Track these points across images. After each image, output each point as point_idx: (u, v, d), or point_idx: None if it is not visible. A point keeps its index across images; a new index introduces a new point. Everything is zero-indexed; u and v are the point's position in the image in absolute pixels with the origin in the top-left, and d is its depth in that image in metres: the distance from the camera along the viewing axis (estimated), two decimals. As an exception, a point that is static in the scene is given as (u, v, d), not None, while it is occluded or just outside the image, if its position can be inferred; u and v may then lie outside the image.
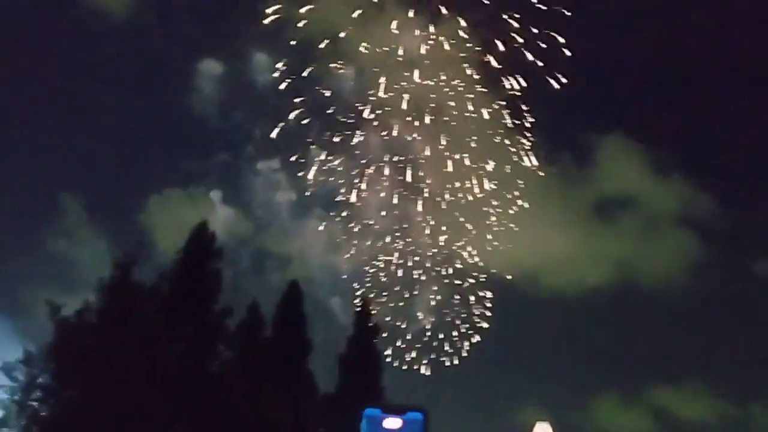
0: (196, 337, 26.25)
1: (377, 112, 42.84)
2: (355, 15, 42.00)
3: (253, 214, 45.35)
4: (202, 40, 44.15)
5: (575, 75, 41.98)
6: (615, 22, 45.92)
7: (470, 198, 43.16)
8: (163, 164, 44.84)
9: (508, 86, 41.98)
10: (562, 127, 44.59)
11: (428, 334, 43.36)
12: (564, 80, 41.10)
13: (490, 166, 43.01)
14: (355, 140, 42.98)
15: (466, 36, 41.93)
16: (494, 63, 41.85)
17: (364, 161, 43.30)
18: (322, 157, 42.82)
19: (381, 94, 42.50)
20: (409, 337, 43.00)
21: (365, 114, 42.70)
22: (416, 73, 42.24)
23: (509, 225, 42.86)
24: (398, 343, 42.55)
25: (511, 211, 42.73)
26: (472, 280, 43.55)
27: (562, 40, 40.96)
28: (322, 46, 42.01)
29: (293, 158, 42.95)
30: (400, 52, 42.35)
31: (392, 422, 9.41)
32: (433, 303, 43.69)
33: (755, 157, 46.54)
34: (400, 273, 43.40)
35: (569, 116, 44.41)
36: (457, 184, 43.32)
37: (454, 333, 43.37)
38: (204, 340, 26.76)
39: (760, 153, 46.10)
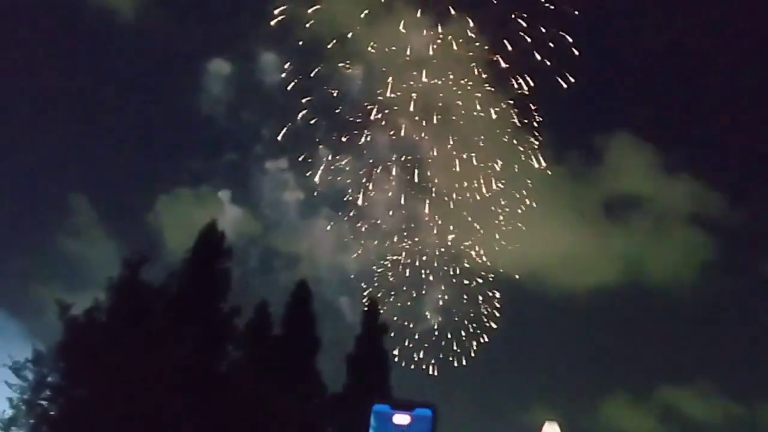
0: (204, 337, 26.29)
1: (385, 111, 42.90)
2: (362, 15, 42.13)
3: (261, 214, 45.48)
4: (210, 39, 44.32)
5: (583, 74, 41.93)
6: (623, 21, 45.84)
7: (478, 197, 43.15)
8: (171, 164, 45.04)
9: (516, 86, 41.98)
10: (571, 126, 44.53)
11: (436, 333, 43.35)
12: (572, 79, 41.08)
13: (498, 165, 43.00)
14: (363, 140, 43.03)
15: (474, 36, 41.94)
16: (502, 63, 41.85)
17: (371, 161, 43.36)
18: (330, 157, 42.90)
19: (388, 93, 42.56)
20: (416, 336, 42.99)
21: (373, 114, 42.77)
22: (424, 72, 42.28)
23: (517, 224, 42.82)
24: (406, 343, 42.56)
25: (519, 211, 42.69)
26: (479, 280, 43.51)
27: (570, 39, 40.94)
28: (329, 46, 42.14)
29: (301, 158, 43.09)
30: (408, 51, 42.42)
31: (401, 418, 9.40)
32: (440, 303, 43.67)
33: (766, 155, 46.34)
34: (407, 273, 43.41)
35: (578, 115, 44.36)
36: (465, 184, 43.31)
37: (462, 333, 43.33)
38: (212, 340, 26.81)
39: (771, 151, 45.91)
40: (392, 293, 42.63)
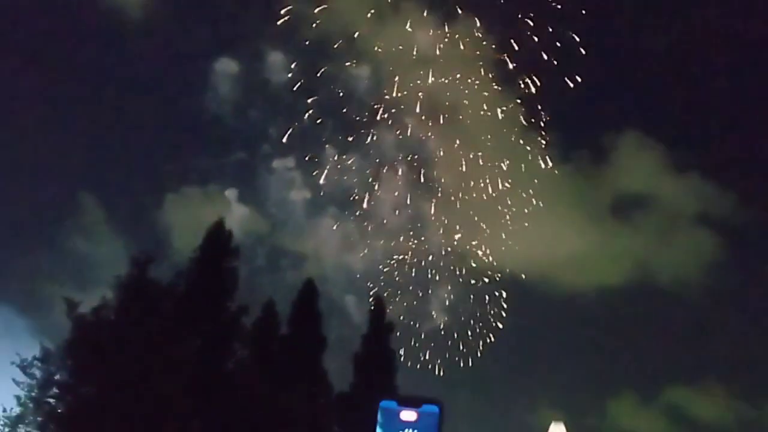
0: (211, 335, 26.36)
1: (391, 111, 42.93)
2: (369, 15, 42.19)
3: (268, 213, 45.55)
4: (217, 39, 44.47)
5: (591, 73, 41.87)
6: (631, 20, 45.71)
7: (484, 197, 43.10)
8: (179, 163, 45.18)
9: (522, 85, 41.93)
10: (578, 125, 44.48)
11: (442, 333, 43.31)
12: (579, 79, 41.04)
13: (504, 165, 42.95)
14: (369, 139, 43.07)
15: (480, 35, 41.93)
16: (509, 62, 41.83)
17: (378, 160, 43.39)
18: (336, 156, 42.97)
19: (395, 93, 42.59)
20: (422, 336, 42.97)
21: (379, 113, 42.80)
22: (430, 72, 42.28)
23: (524, 224, 42.76)
24: (412, 343, 42.53)
25: (525, 211, 42.64)
26: (486, 280, 43.45)
27: (577, 39, 40.90)
28: (336, 46, 42.21)
29: (307, 158, 43.18)
30: (415, 51, 42.43)
31: (408, 414, 9.36)
32: (447, 302, 43.63)
33: (774, 155, 46.11)
34: (413, 272, 43.40)
35: (585, 114, 44.27)
36: (471, 183, 43.27)
37: (468, 332, 43.27)
38: (220, 338, 26.86)
39: (779, 151, 45.68)
40: (398, 293, 42.66)
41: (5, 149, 42.39)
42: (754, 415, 42.87)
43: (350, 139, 42.84)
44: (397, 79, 42.41)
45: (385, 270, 43.03)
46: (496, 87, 42.40)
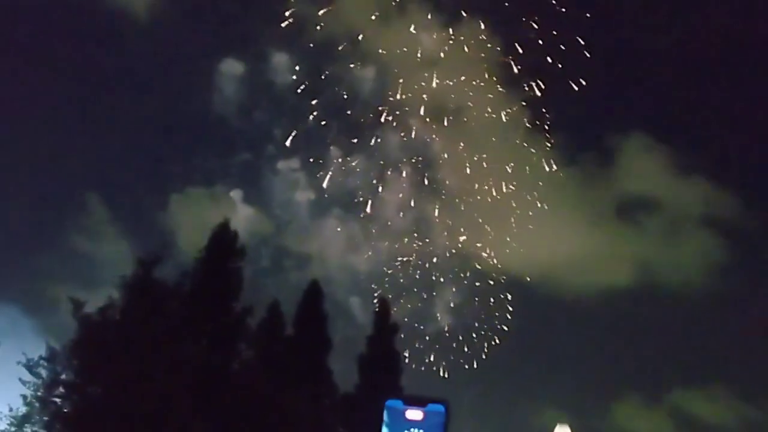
0: (217, 336, 26.41)
1: (396, 113, 43.02)
2: (373, 17, 42.32)
3: (273, 214, 45.61)
4: (222, 39, 44.58)
5: (596, 75, 41.88)
6: (636, 23, 45.69)
7: (489, 199, 43.12)
8: (184, 163, 45.28)
9: (527, 88, 41.98)
10: (583, 127, 44.42)
11: (447, 335, 43.29)
12: (583, 82, 41.10)
13: (509, 167, 42.96)
14: (374, 141, 43.15)
15: (485, 38, 42.00)
16: (514, 65, 41.89)
17: (382, 162, 43.46)
18: (341, 157, 43.07)
19: (399, 95, 42.68)
20: (427, 338, 42.96)
21: (384, 115, 42.89)
22: (435, 74, 42.35)
23: (528, 226, 42.75)
24: (417, 345, 42.53)
25: (530, 213, 42.63)
26: (491, 282, 43.43)
27: (582, 42, 40.95)
28: (340, 48, 42.33)
29: (312, 159, 43.29)
30: (419, 53, 42.52)
31: (414, 413, 9.41)
32: (451, 304, 43.62)
33: (780, 157, 46.00)
34: (418, 274, 43.40)
35: (590, 116, 44.22)
36: (476, 186, 43.30)
37: (473, 335, 43.24)
38: (225, 339, 26.91)
39: (786, 153, 45.58)
40: (403, 294, 42.68)
41: (10, 149, 42.59)
42: (759, 417, 42.77)
43: (355, 140, 43.01)
44: (401, 81, 42.55)
45: (389, 272, 43.10)
46: (500, 89, 42.52)
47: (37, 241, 41.79)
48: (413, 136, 43.15)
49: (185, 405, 24.01)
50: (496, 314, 43.28)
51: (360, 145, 43.11)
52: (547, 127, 42.17)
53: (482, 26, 42.27)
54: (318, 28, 42.18)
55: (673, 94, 48.00)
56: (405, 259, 43.30)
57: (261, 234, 44.03)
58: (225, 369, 26.43)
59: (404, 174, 43.39)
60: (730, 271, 44.39)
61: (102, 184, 44.25)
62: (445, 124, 42.92)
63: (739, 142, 46.75)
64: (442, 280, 43.48)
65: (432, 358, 42.62)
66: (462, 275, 43.41)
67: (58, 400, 25.01)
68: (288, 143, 43.26)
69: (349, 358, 32.65)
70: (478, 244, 43.22)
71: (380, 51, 42.79)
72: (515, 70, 41.86)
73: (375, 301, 37.96)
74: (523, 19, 41.27)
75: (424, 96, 42.52)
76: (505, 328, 43.05)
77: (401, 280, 42.97)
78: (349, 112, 42.66)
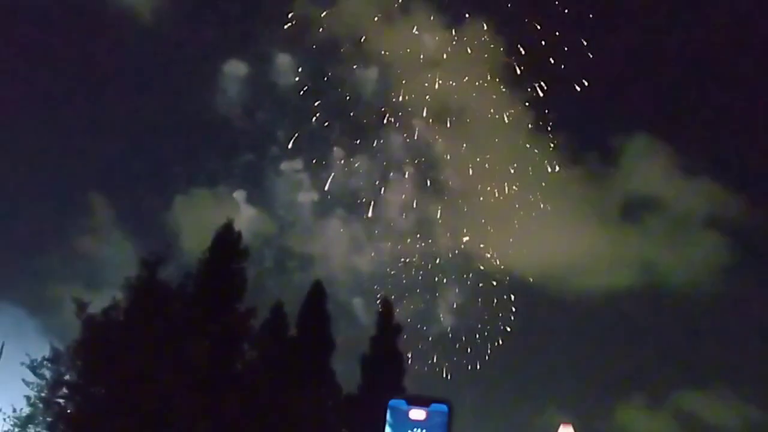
0: (220, 336, 26.38)
1: (398, 114, 43.05)
2: (375, 18, 42.37)
3: (276, 214, 45.61)
4: (226, 41, 44.64)
5: (599, 76, 41.87)
6: (638, 23, 45.64)
7: (491, 200, 43.08)
8: (188, 164, 45.28)
9: (530, 89, 41.98)
10: (587, 128, 44.34)
11: (450, 336, 43.24)
12: (586, 83, 41.12)
13: (512, 168, 42.92)
14: (377, 142, 43.18)
15: (488, 39, 42.03)
16: (517, 66, 41.90)
17: (385, 163, 43.48)
18: (344, 158, 43.11)
19: (402, 96, 42.71)
20: (430, 339, 42.91)
21: (386, 116, 42.92)
22: (438, 75, 42.38)
23: (531, 227, 42.69)
24: (420, 346, 42.47)
25: (533, 214, 42.58)
26: (494, 283, 43.37)
27: (584, 43, 40.96)
28: (343, 49, 42.39)
29: (315, 160, 43.35)
30: (422, 54, 42.57)
31: (417, 413, 9.40)
32: (454, 305, 43.57)
33: (785, 157, 45.87)
34: (421, 275, 43.38)
35: (593, 117, 44.14)
36: (479, 186, 43.29)
37: (476, 335, 43.18)
38: (228, 340, 26.89)
39: (790, 153, 45.46)
40: (406, 295, 42.65)
41: (15, 150, 42.70)
42: (762, 418, 42.63)
43: (357, 142, 43.03)
44: (404, 82, 42.60)
45: (392, 272, 43.08)
46: (503, 90, 42.50)
47: (41, 241, 41.91)
48: (416, 137, 43.22)
49: (188, 406, 24.02)
50: (499, 315, 43.23)
51: (363, 146, 43.22)
52: (549, 128, 42.19)
53: (485, 27, 42.37)
54: (320, 30, 42.33)
55: (677, 95, 47.98)
56: (408, 259, 43.33)
57: (264, 235, 44.08)
58: (228, 370, 26.42)
59: (407, 175, 43.43)
60: (734, 271, 44.31)
61: (105, 185, 44.37)
62: (448, 125, 43.01)
63: (743, 142, 46.67)
64: (444, 280, 43.50)
65: (435, 359, 42.59)
66: (465, 276, 43.42)
67: (61, 400, 25.05)
68: (291, 144, 43.33)
69: (352, 358, 32.66)
70: (481, 245, 43.24)
71: (383, 52, 42.91)
72: (518, 71, 41.92)
73: (378, 301, 38.00)
74: (526, 20, 41.34)
75: (427, 97, 42.62)
76: (508, 329, 43.02)
77: (404, 281, 42.97)
78: (351, 114, 42.74)
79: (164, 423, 23.72)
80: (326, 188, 43.50)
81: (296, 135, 43.12)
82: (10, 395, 24.97)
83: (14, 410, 24.68)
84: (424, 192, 43.69)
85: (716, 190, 45.55)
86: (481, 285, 43.41)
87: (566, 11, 41.61)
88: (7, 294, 36.13)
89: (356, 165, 43.21)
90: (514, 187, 42.67)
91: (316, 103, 43.06)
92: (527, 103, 42.09)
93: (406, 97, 42.84)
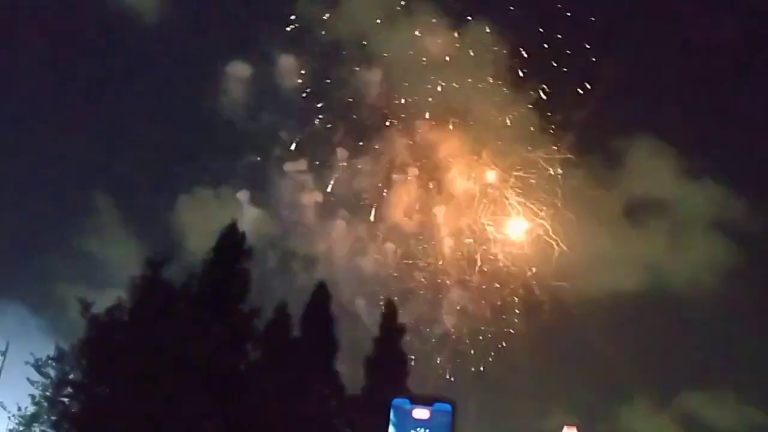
0: (224, 337, 26.44)
1: (401, 115, 43.14)
2: (378, 20, 42.50)
3: (280, 215, 45.60)
4: (230, 41, 44.69)
5: (602, 79, 41.87)
6: (641, 25, 45.63)
7: (494, 202, 43.12)
8: (191, 164, 45.21)
9: (533, 91, 42.06)
10: (590, 130, 44.23)
11: (453, 338, 43.24)
12: (588, 86, 41.25)
13: (515, 170, 42.95)
14: (380, 144, 43.28)
15: (491, 42, 42.13)
16: (519, 68, 42.00)
17: (388, 164, 43.56)
18: (347, 160, 43.20)
19: (405, 98, 42.82)
20: (433, 340, 42.91)
21: (389, 118, 43.04)
22: (441, 77, 42.47)
23: (535, 229, 42.70)
24: (423, 347, 42.47)
25: (537, 216, 42.58)
26: (497, 285, 43.38)
27: (587, 45, 41.10)
28: (346, 51, 42.52)
29: (318, 162, 43.45)
30: (425, 56, 42.66)
31: (421, 413, 9.43)
32: (458, 307, 43.57)
33: (790, 159, 45.78)
34: (424, 276, 43.40)
35: (597, 119, 44.03)
36: (481, 188, 43.33)
37: (480, 337, 43.18)
38: (232, 340, 26.95)
39: (795, 156, 45.38)
40: (409, 296, 42.65)
41: (19, 150, 42.83)
42: (767, 421, 42.51)
43: (361, 143, 43.10)
44: (407, 84, 42.66)
45: (395, 274, 43.09)
46: (506, 92, 42.51)
47: (45, 241, 41.92)
48: (419, 138, 43.28)
49: (192, 406, 24.10)
50: (503, 317, 43.24)
51: (366, 147, 43.25)
52: (553, 130, 42.20)
53: (488, 30, 42.38)
54: (323, 33, 42.49)
55: (681, 97, 47.86)
56: (411, 261, 43.34)
57: (268, 235, 44.01)
58: (232, 370, 26.49)
59: (410, 176, 43.46)
60: (739, 274, 44.11)
61: (110, 184, 44.31)
62: (451, 127, 43.02)
63: (748, 144, 46.52)
64: (448, 282, 43.49)
65: (438, 361, 42.58)
66: (468, 277, 43.40)
67: (66, 399, 25.20)
68: (294, 145, 43.43)
69: (356, 360, 32.61)
70: (484, 247, 43.23)
71: (386, 54, 42.93)
72: (521, 74, 41.99)
73: (381, 303, 38.00)
74: (528, 23, 41.39)
75: (430, 99, 42.64)
76: (512, 331, 43.01)
77: (407, 283, 42.98)
78: (355, 115, 42.85)
79: (168, 423, 23.79)
80: (329, 189, 43.56)
81: (300, 136, 43.23)
82: (14, 394, 25.14)
83: (19, 409, 24.83)
84: (427, 193, 43.74)
85: (720, 192, 45.41)
86: (484, 287, 43.45)
87: (568, 14, 41.70)
88: (11, 293, 36.21)
89: (359, 166, 43.28)
90: (517, 189, 42.74)
91: (319, 105, 43.20)
92: (530, 106, 42.17)
93: (409, 99, 42.94)
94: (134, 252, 38.84)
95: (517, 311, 43.13)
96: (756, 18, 45.53)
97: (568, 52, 41.19)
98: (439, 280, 43.45)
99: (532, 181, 42.78)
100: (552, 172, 42.36)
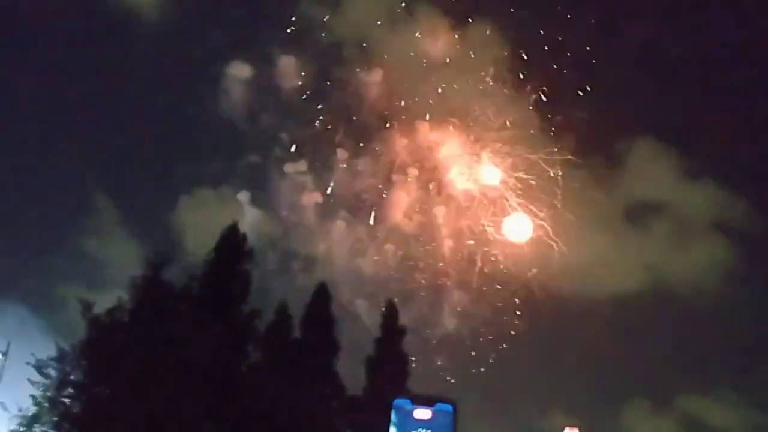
0: (225, 338, 26.46)
1: (402, 117, 43.15)
2: (379, 22, 42.53)
3: (280, 216, 45.57)
4: (231, 42, 44.69)
5: (602, 80, 41.89)
6: (642, 27, 45.65)
7: (495, 203, 43.10)
8: (192, 165, 45.18)
9: (534, 93, 42.08)
10: (590, 132, 44.21)
11: (454, 339, 43.21)
12: (588, 88, 41.29)
13: (516, 172, 42.94)
14: (380, 145, 43.30)
15: (491, 43, 42.17)
16: (520, 70, 42.03)
17: (388, 166, 43.57)
18: (347, 161, 43.22)
19: (405, 99, 42.85)
20: (434, 342, 42.88)
21: (390, 119, 43.06)
22: (441, 78, 42.50)
23: (536, 231, 42.67)
24: (424, 348, 42.44)
25: (538, 217, 42.54)
26: (498, 286, 43.34)
27: (587, 47, 41.13)
28: (346, 52, 42.56)
29: (318, 162, 43.46)
30: (425, 58, 42.69)
31: (422, 413, 9.42)
32: (458, 308, 43.54)
33: (791, 160, 45.76)
34: (425, 277, 43.37)
35: (597, 121, 44.01)
36: (482, 190, 43.32)
37: (480, 339, 43.14)
38: (233, 341, 26.96)
39: (796, 156, 45.36)
40: (410, 298, 42.61)
41: (20, 151, 42.82)
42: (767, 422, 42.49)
43: (361, 144, 43.11)
44: (407, 85, 42.69)
45: (396, 275, 43.05)
46: (507, 94, 42.53)
47: (46, 241, 41.90)
48: (419, 140, 43.28)
49: (193, 406, 24.09)
50: (504, 318, 43.19)
51: (366, 148, 43.26)
52: (553, 132, 42.19)
53: (488, 32, 42.41)
54: (323, 35, 42.53)
55: (681, 99, 47.85)
56: (411, 262, 43.32)
57: (268, 236, 43.95)
58: (233, 371, 26.49)
59: (410, 177, 43.47)
60: (740, 275, 44.07)
61: (110, 185, 44.28)
62: (451, 128, 43.02)
63: (748, 145, 46.48)
64: (448, 283, 43.46)
65: (439, 362, 42.54)
66: (469, 279, 43.36)
67: (67, 400, 25.16)
68: (295, 146, 43.43)
69: (357, 360, 32.63)
70: (485, 248, 43.20)
71: (386, 55, 42.97)
72: (521, 76, 42.00)
73: (382, 304, 37.99)
74: (529, 25, 41.42)
75: (430, 100, 42.65)
76: (513, 332, 42.96)
77: (408, 284, 42.94)
78: (355, 117, 42.88)
79: (169, 423, 23.78)
80: (330, 190, 43.54)
81: (300, 137, 43.24)
82: (15, 395, 25.10)
83: (20, 409, 24.79)
84: (428, 194, 43.72)
85: (721, 193, 45.35)
86: (485, 288, 43.41)
87: (569, 16, 41.72)
88: (12, 294, 36.16)
89: (360, 167, 43.27)
90: (518, 191, 42.72)
91: (319, 106, 43.21)
92: (531, 108, 42.18)
93: (409, 100, 42.94)
94: (134, 252, 38.78)
95: (517, 312, 43.09)
96: (756, 18, 45.56)
97: (568, 53, 41.23)
98: (439, 281, 43.45)
99: (533, 182, 42.82)
100: (552, 174, 42.34)
